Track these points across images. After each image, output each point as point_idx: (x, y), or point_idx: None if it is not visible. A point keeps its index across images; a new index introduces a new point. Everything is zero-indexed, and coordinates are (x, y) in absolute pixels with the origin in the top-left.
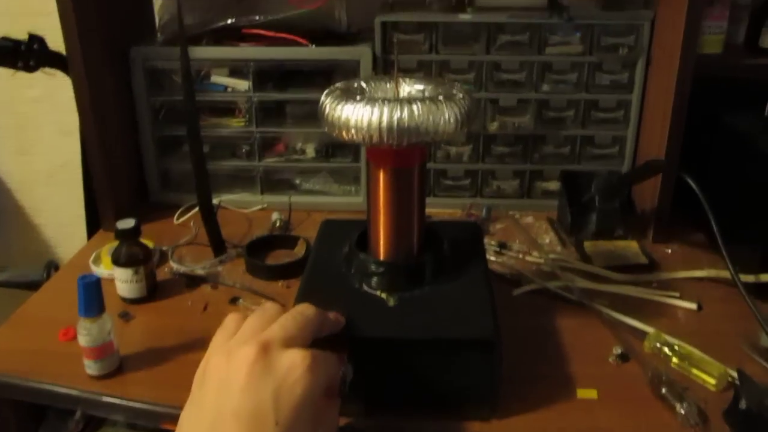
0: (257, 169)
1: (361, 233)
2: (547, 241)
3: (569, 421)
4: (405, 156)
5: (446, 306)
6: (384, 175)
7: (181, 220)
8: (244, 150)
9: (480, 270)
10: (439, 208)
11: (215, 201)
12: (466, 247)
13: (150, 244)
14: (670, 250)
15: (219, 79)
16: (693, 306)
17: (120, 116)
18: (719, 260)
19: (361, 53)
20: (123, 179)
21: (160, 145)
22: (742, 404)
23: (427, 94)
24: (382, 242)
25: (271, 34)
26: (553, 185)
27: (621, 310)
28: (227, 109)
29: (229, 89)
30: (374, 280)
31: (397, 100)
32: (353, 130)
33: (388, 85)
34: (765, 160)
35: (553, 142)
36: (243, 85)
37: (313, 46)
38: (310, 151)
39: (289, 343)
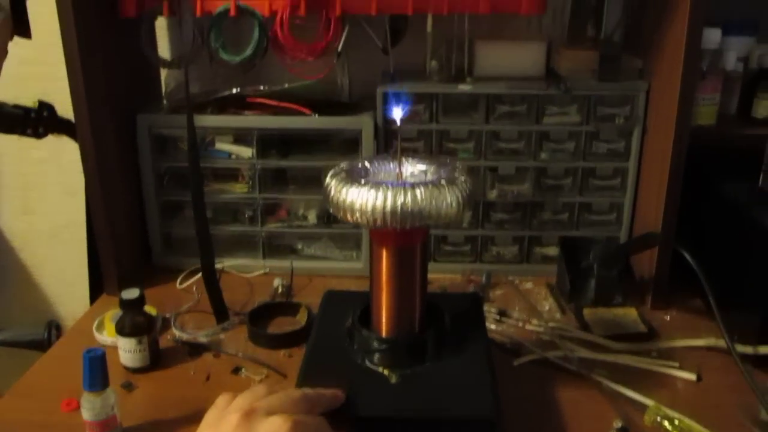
0: (259, 234)
1: (363, 307)
2: (547, 308)
3: None
4: (407, 236)
5: (447, 383)
6: (386, 254)
7: (185, 284)
8: (246, 215)
9: (481, 344)
10: (440, 273)
11: (218, 266)
12: (466, 319)
13: (153, 311)
14: (668, 317)
15: (223, 146)
16: (692, 377)
17: (125, 180)
18: (718, 328)
19: (363, 123)
20: (127, 242)
21: (164, 209)
22: None
23: (429, 175)
24: (384, 319)
25: (274, 103)
26: (552, 251)
27: (621, 380)
28: (231, 175)
29: (233, 156)
30: (376, 356)
31: (401, 184)
32: (358, 214)
33: (391, 165)
34: (760, 229)
35: (551, 208)
36: (247, 152)
37: (316, 115)
38: (312, 217)
39: (274, 412)
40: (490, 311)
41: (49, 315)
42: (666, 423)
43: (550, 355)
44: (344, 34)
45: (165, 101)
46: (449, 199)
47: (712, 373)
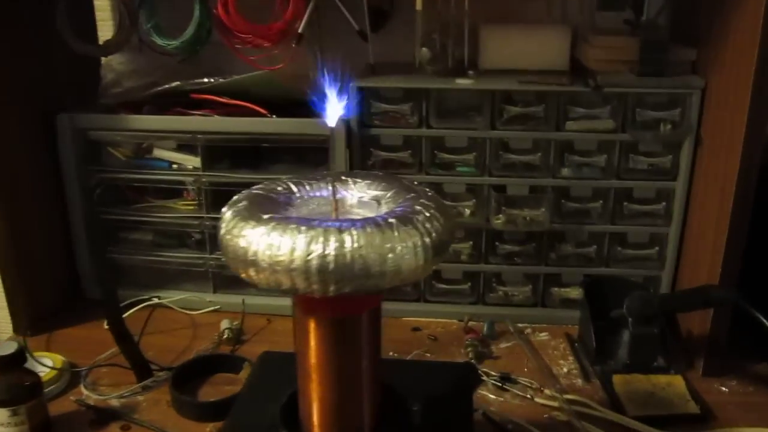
0: (208, 262)
1: (293, 394)
2: (565, 370)
3: None
4: (345, 303)
5: None
6: (315, 327)
7: None
8: (193, 239)
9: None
10: (431, 317)
11: (155, 300)
12: (446, 407)
13: (57, 362)
14: (726, 389)
15: (163, 153)
16: None
17: (44, 195)
18: None
19: (333, 127)
20: (45, 272)
21: (96, 231)
22: None
23: (383, 205)
24: (315, 419)
25: (224, 101)
26: (574, 293)
27: None
28: (174, 190)
29: (175, 166)
30: None
31: (324, 224)
32: (252, 270)
33: (328, 189)
34: None
35: (574, 239)
36: (192, 161)
37: (274, 116)
38: None
39: None
40: (490, 374)
41: None
42: None
43: None
44: (307, 12)
45: (100, 98)
46: (400, 249)
47: None
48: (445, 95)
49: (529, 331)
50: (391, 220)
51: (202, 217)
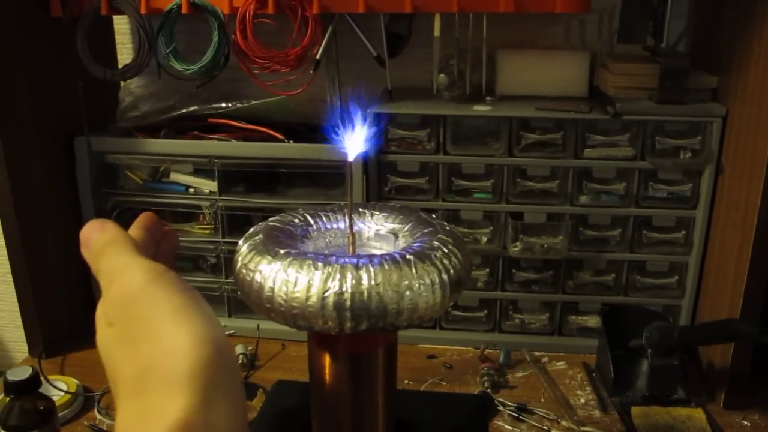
0: (223, 286)
1: (307, 423)
2: (582, 401)
3: None
4: (360, 340)
5: None
6: (330, 362)
7: None
8: (209, 263)
9: None
10: (446, 345)
11: None
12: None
13: (72, 386)
14: (748, 423)
15: (180, 177)
16: None
17: (60, 219)
18: None
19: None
20: (60, 294)
21: None
22: None
23: (400, 239)
24: None
25: (241, 125)
26: (592, 321)
27: None
28: (189, 214)
29: (192, 190)
30: None
31: (341, 260)
32: (268, 305)
33: (345, 221)
34: None
35: (592, 267)
36: (208, 185)
37: (291, 142)
38: None
39: None
40: (506, 404)
41: None
42: None
43: None
44: (325, 38)
45: (119, 121)
46: (417, 286)
47: None
48: (463, 121)
49: (545, 359)
50: (408, 256)
51: (218, 241)
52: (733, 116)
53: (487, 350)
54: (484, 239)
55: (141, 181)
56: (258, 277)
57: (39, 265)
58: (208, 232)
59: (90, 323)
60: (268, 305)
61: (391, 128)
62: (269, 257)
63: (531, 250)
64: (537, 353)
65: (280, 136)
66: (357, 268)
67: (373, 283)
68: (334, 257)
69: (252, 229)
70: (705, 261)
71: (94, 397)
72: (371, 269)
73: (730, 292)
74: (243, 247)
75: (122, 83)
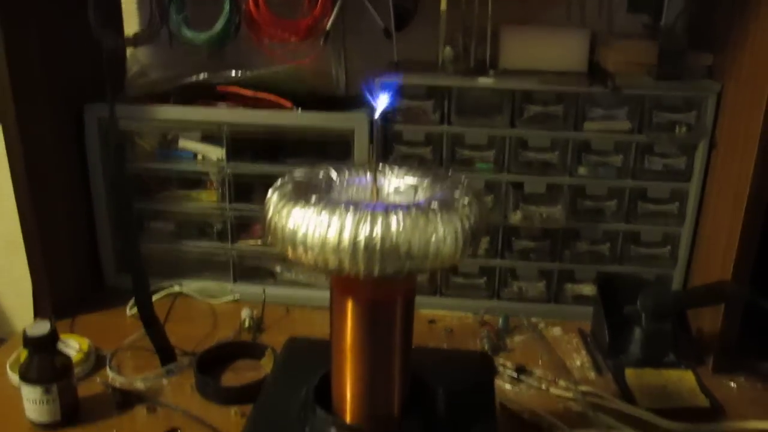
0: (229, 252)
1: (325, 374)
2: (578, 364)
3: None
4: (383, 286)
5: None
6: (352, 309)
7: (135, 311)
8: (215, 229)
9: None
10: (447, 311)
11: (176, 288)
12: (468, 395)
13: (84, 344)
14: (735, 385)
15: (188, 144)
16: None
17: (70, 185)
18: None
19: (356, 121)
20: (69, 260)
21: (119, 221)
22: None
23: (419, 193)
24: (348, 399)
25: (250, 93)
26: (588, 289)
27: None
28: (197, 181)
29: (200, 157)
30: None
31: (370, 207)
32: (301, 248)
33: (367, 177)
34: None
35: (588, 237)
36: (216, 152)
37: (299, 110)
38: None
39: None
40: (505, 366)
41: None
42: None
43: None
44: (335, 10)
45: (127, 89)
46: (442, 232)
47: None
48: (467, 93)
49: (542, 325)
50: (433, 205)
51: (225, 207)
52: (727, 93)
53: (486, 316)
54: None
55: (150, 148)
56: (291, 223)
57: (49, 230)
58: (214, 199)
59: (97, 288)
60: (301, 249)
61: (397, 98)
62: (302, 203)
63: (530, 219)
64: (534, 320)
65: (288, 104)
66: (387, 214)
67: (401, 228)
68: (364, 204)
69: (279, 181)
70: (697, 232)
71: (105, 357)
72: (400, 215)
73: (720, 262)
74: (273, 196)
75: (129, 52)
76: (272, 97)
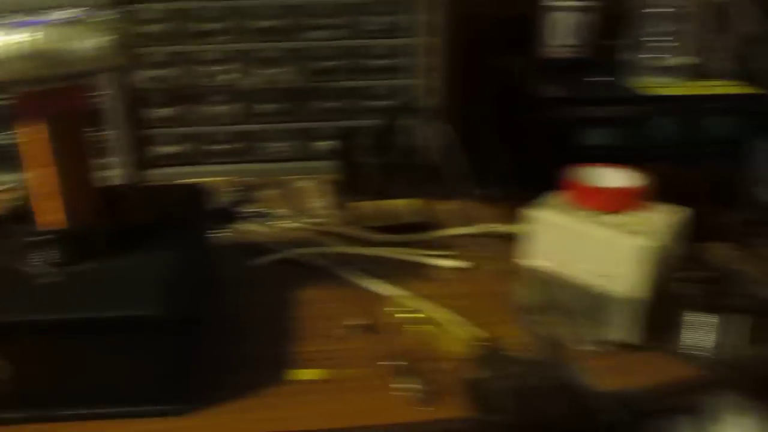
0: None
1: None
2: (320, 204)
3: (283, 409)
4: (52, 97)
5: (119, 282)
6: (31, 125)
7: None
8: None
9: (185, 239)
10: (206, 177)
11: None
12: (177, 214)
13: None
14: (454, 207)
15: None
16: (461, 265)
17: None
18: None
19: None
20: None
21: None
22: (484, 373)
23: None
24: (40, 210)
25: None
26: (333, 144)
27: (380, 275)
28: None
29: None
30: (29, 253)
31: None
32: None
33: None
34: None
35: (325, 96)
36: None
37: None
38: None
39: None
40: (248, 212)
41: None
42: (414, 316)
43: (301, 253)
44: None
45: None
46: (89, 39)
47: (484, 262)
48: None
49: (294, 180)
50: (81, 16)
51: None
52: None
53: (241, 178)
54: (230, 76)
55: None
56: None
57: None
58: None
59: None
60: None
61: None
62: None
63: (270, 83)
64: (288, 177)
65: None
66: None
67: (51, 37)
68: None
69: None
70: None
71: None
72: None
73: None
74: None
75: None
76: None
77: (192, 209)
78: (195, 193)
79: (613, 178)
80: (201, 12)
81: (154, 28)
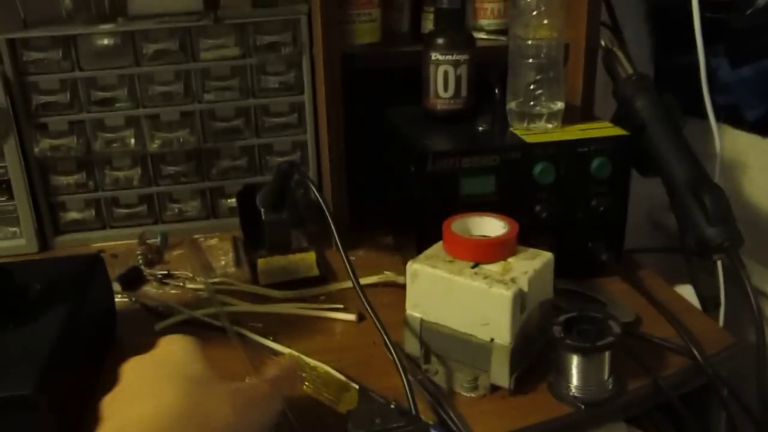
0: None
1: None
2: (223, 263)
3: None
4: None
5: None
6: None
7: None
8: None
9: (62, 312)
10: (115, 241)
11: None
12: (62, 286)
13: None
14: (354, 258)
15: None
16: (352, 317)
17: None
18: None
19: None
20: None
21: None
22: (350, 427)
23: None
24: None
25: None
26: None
27: (276, 332)
28: None
29: None
30: None
31: None
32: None
33: None
34: (412, 150)
35: (228, 155)
36: None
37: None
38: None
39: None
40: (154, 274)
41: None
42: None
43: (199, 314)
44: None
45: None
46: None
47: (380, 311)
48: (93, 41)
49: (201, 239)
50: None
51: None
52: (312, 13)
53: (149, 240)
54: (132, 141)
55: None
56: None
57: None
58: None
59: None
60: None
61: (27, 52)
62: None
63: (170, 145)
64: (196, 235)
65: None
66: None
67: None
68: None
69: None
70: (319, 137)
71: None
72: None
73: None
74: None
75: None
76: None
77: (86, 279)
78: (91, 262)
79: (488, 226)
80: (100, 80)
81: (54, 98)
